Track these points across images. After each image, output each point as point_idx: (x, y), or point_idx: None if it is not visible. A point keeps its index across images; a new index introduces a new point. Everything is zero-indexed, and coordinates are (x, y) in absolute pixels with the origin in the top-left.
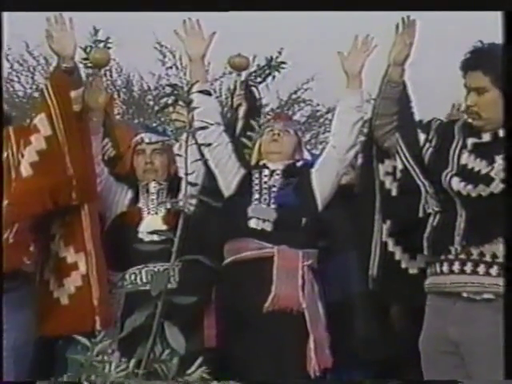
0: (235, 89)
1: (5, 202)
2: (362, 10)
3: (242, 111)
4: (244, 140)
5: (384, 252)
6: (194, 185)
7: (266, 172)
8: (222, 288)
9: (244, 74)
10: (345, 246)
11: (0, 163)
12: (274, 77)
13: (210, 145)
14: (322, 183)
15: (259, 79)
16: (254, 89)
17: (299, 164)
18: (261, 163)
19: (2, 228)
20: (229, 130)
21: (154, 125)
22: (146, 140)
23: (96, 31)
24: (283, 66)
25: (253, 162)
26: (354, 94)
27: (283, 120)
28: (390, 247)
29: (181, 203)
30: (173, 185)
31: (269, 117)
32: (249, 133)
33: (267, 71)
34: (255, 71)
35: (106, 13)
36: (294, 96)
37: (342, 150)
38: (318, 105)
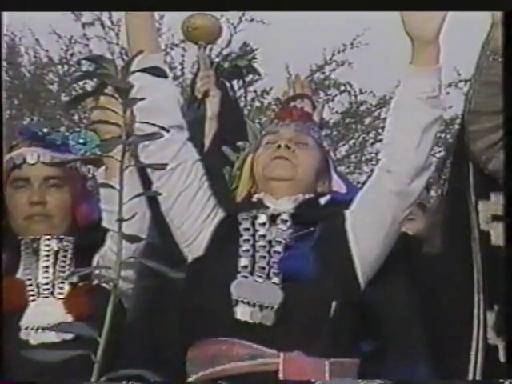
0: (199, 67)
1: None
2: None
3: (212, 105)
4: (223, 158)
5: (491, 359)
6: (133, 240)
7: (264, 217)
8: None
9: (213, 49)
10: (411, 352)
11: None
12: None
13: (163, 167)
14: (366, 236)
15: (231, 71)
16: (226, 81)
17: (324, 201)
18: (254, 199)
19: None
20: (197, 138)
21: (46, 130)
22: (31, 161)
23: None
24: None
25: (239, 196)
26: (424, 73)
27: (296, 119)
28: (502, 354)
29: (110, 274)
30: (85, 241)
31: (270, 113)
32: (226, 147)
33: (239, 63)
34: (226, 58)
35: None
36: (318, 76)
37: (402, 177)
38: (362, 92)
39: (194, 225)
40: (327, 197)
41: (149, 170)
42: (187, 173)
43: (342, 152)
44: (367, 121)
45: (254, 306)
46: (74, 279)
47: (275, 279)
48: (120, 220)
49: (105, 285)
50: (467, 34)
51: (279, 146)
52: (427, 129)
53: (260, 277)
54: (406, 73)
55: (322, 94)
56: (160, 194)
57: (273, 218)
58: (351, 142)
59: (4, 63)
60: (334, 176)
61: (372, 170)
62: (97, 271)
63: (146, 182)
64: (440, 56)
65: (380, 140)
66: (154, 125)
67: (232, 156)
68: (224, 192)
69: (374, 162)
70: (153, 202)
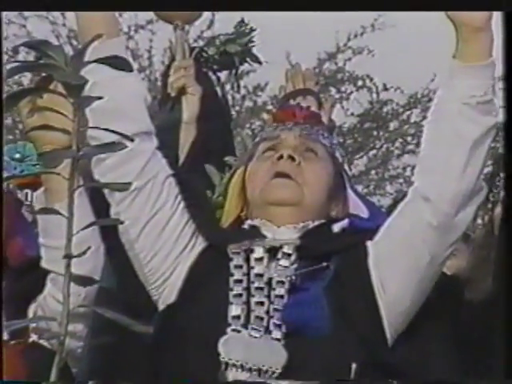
0: (173, 54)
1: None
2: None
3: (189, 105)
4: (204, 172)
5: None
6: (84, 282)
7: (261, 250)
8: None
9: (193, 30)
10: None
11: None
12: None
13: (126, 187)
14: (395, 279)
15: (217, 59)
16: (210, 73)
17: (339, 228)
18: (246, 226)
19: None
20: (169, 148)
21: None
22: None
23: None
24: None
25: (226, 221)
26: (473, 71)
27: (302, 121)
28: None
29: (54, 328)
30: (18, 286)
31: (266, 115)
32: (210, 165)
33: (229, 49)
34: (213, 42)
35: None
36: (328, 66)
37: (444, 207)
38: (386, 88)
39: (167, 260)
40: (343, 222)
41: (106, 191)
42: (157, 192)
43: (360, 166)
44: (392, 126)
45: (249, 370)
46: (4, 336)
47: (277, 333)
48: (68, 256)
49: (45, 343)
50: None
51: (280, 157)
52: (478, 143)
53: (257, 330)
54: (449, 70)
55: (333, 90)
56: (122, 223)
57: (272, 252)
58: (371, 153)
59: None
60: (352, 195)
61: (397, 191)
62: (34, 324)
63: (101, 206)
64: (492, 47)
65: (409, 151)
66: (113, 132)
67: (215, 176)
68: (206, 216)
69: (400, 180)
70: (108, 232)
